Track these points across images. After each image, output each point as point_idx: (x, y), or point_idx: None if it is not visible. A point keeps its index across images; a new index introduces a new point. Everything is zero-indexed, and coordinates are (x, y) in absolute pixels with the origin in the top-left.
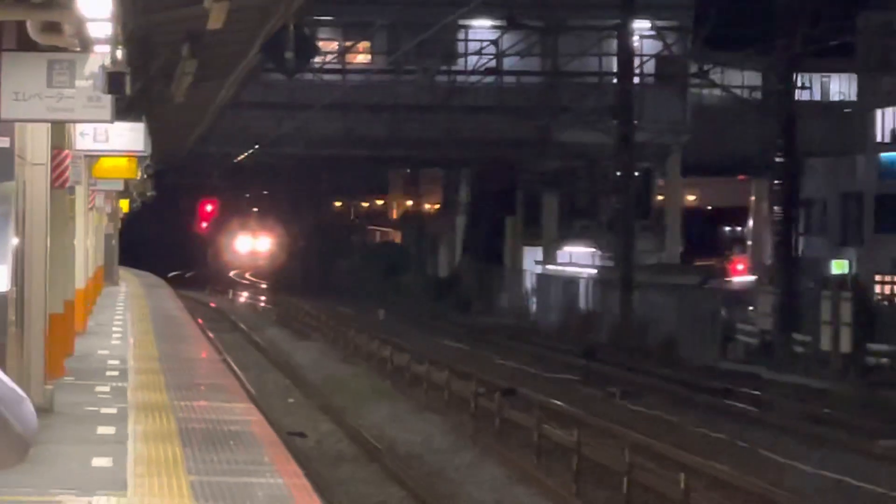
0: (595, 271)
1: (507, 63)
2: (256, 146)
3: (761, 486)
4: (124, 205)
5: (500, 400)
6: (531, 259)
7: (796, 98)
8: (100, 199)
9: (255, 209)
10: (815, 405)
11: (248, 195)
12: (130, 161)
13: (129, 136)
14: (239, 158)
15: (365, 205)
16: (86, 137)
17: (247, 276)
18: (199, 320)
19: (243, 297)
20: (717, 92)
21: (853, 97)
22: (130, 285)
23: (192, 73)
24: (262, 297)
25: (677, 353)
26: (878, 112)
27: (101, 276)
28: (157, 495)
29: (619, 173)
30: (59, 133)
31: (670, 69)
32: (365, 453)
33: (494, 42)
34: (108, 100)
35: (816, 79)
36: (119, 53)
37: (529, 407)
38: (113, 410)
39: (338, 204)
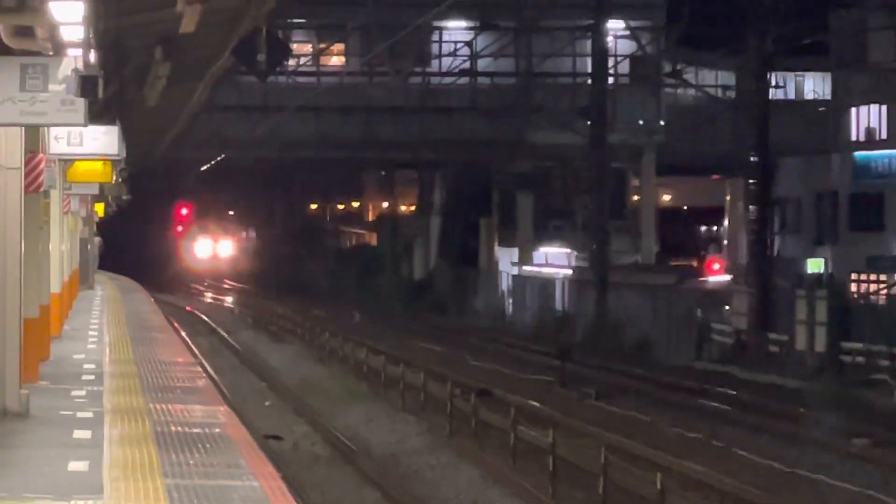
0: (570, 272)
1: (481, 64)
2: (227, 151)
3: (736, 486)
4: (100, 209)
5: (476, 401)
6: (506, 260)
7: (770, 97)
8: (75, 203)
9: (230, 212)
10: (790, 404)
11: (216, 200)
12: (105, 165)
13: (104, 140)
14: (209, 164)
15: (340, 207)
16: (60, 141)
17: (224, 280)
18: (175, 324)
19: (218, 300)
20: (691, 92)
21: (827, 96)
22: (106, 289)
23: (165, 76)
24: (238, 301)
25: (653, 353)
26: (853, 111)
27: (76, 280)
28: (133, 499)
29: (593, 174)
30: (33, 137)
31: (644, 69)
32: (341, 455)
33: (468, 43)
34: (81, 103)
35: (790, 78)
36: (92, 57)
37: (505, 408)
38: (89, 414)
39: (313, 207)
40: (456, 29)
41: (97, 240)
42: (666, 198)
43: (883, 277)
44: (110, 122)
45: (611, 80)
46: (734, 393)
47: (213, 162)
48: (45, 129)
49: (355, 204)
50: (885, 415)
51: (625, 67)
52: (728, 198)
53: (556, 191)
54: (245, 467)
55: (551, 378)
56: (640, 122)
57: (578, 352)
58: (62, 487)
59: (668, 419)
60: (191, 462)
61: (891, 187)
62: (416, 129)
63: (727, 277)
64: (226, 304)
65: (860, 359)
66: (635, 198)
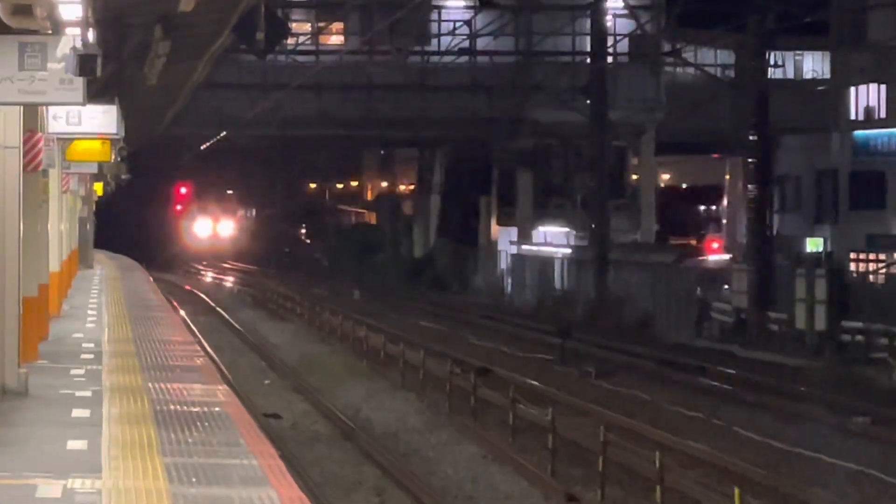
0: (570, 250)
1: (481, 43)
2: (230, 128)
3: (737, 464)
4: (98, 188)
5: (475, 379)
6: (506, 238)
7: (769, 76)
8: (73, 182)
9: (229, 191)
10: (791, 383)
11: (216, 178)
12: (104, 144)
13: (103, 119)
14: (209, 143)
15: (339, 186)
16: (58, 120)
17: (224, 259)
18: (174, 303)
19: (217, 279)
20: (690, 70)
21: (826, 75)
22: (105, 268)
23: (164, 54)
24: (237, 280)
25: (653, 331)
26: (852, 89)
27: (75, 259)
28: (132, 478)
29: (593, 152)
30: (32, 116)
31: (643, 48)
32: (340, 433)
33: (467, 22)
34: (80, 82)
35: (789, 57)
36: (90, 35)
37: (504, 386)
38: (87, 393)
39: (312, 186)
40: (455, 8)
41: None
42: (665, 176)
43: (882, 256)
44: (109, 100)
45: (610, 58)
46: (734, 371)
47: (213, 140)
48: (44, 107)
49: (354, 183)
50: (885, 393)
51: (624, 46)
52: (727, 176)
53: (556, 169)
54: (244, 446)
55: (551, 356)
56: (640, 100)
57: (578, 330)
58: (61, 466)
59: (668, 397)
60: (189, 441)
61: (890, 166)
62: (416, 107)
63: (726, 256)
64: (225, 283)
65: (860, 337)
66: (635, 177)
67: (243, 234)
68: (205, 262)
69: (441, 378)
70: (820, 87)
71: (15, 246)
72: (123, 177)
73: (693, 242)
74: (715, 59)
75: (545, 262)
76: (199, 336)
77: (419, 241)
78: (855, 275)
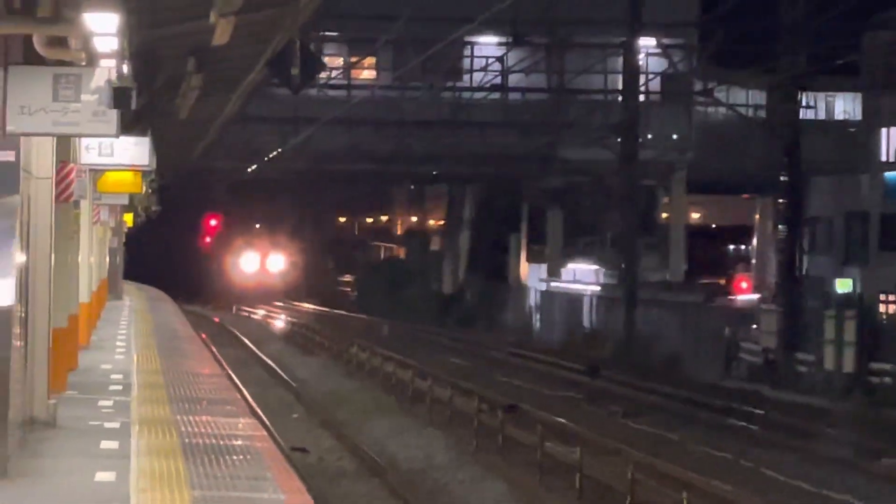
0: (599, 288)
1: (513, 79)
2: (261, 161)
3: None
4: (129, 219)
5: (503, 417)
6: (535, 275)
7: (801, 117)
8: (104, 214)
9: (258, 225)
10: (818, 424)
11: (249, 211)
12: (135, 175)
13: (135, 151)
14: (244, 175)
15: (369, 220)
16: (91, 151)
17: (273, 297)
18: (203, 335)
19: (246, 312)
20: (722, 110)
21: (858, 116)
22: (134, 300)
23: (197, 87)
24: (266, 314)
25: (681, 370)
26: (883, 131)
27: (104, 290)
28: None
29: (623, 191)
30: (65, 147)
31: (675, 87)
32: (367, 469)
33: (500, 58)
34: (113, 114)
35: (821, 98)
36: (125, 68)
37: (532, 424)
38: (116, 425)
39: (342, 219)
40: (487, 44)
41: None
42: (695, 216)
43: None
44: (141, 132)
45: (642, 97)
46: (762, 412)
47: (246, 173)
48: (77, 139)
49: (384, 218)
50: None
51: (656, 85)
52: (757, 217)
53: (586, 207)
54: (271, 480)
55: (579, 395)
56: (671, 139)
57: (606, 368)
58: (89, 498)
59: (696, 437)
60: (218, 474)
61: None
62: (447, 143)
63: (755, 296)
64: (253, 316)
65: (888, 379)
66: (665, 215)
67: (292, 269)
68: (234, 296)
69: (468, 415)
70: (851, 129)
71: (46, 276)
72: (154, 208)
73: (722, 282)
74: (747, 99)
75: (574, 300)
76: (228, 369)
77: (448, 277)
78: (884, 317)
